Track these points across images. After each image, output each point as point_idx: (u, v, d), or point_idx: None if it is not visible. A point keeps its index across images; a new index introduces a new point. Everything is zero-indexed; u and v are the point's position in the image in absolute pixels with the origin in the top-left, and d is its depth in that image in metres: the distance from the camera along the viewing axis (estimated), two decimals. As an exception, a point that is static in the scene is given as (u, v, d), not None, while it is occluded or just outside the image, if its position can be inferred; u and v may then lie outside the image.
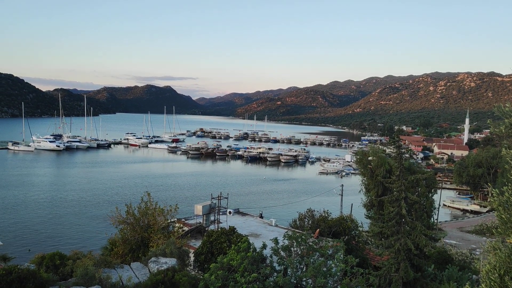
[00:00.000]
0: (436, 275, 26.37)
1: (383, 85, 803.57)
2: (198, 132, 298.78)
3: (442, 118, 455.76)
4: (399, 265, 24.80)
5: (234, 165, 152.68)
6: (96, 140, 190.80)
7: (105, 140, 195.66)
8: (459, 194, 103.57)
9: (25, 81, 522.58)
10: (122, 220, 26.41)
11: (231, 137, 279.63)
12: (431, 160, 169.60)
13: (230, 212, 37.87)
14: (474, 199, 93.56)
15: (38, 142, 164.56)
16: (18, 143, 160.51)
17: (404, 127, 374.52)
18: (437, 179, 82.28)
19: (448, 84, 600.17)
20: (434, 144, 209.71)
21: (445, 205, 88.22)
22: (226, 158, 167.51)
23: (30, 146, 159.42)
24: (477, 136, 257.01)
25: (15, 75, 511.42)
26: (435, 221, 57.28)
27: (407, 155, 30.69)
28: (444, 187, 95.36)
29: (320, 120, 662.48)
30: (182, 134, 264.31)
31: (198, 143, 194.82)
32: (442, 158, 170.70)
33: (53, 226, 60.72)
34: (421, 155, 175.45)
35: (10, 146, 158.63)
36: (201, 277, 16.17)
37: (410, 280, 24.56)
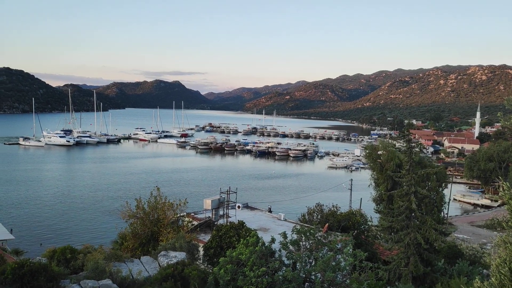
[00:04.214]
0: (446, 270, 26.24)
1: (393, 78, 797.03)
2: (207, 127, 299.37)
3: (453, 112, 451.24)
4: (408, 259, 24.72)
5: (243, 159, 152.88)
6: (106, 135, 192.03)
7: (115, 135, 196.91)
8: (469, 188, 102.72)
9: (36, 77, 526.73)
10: (132, 214, 26.59)
11: (240, 132, 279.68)
12: (442, 154, 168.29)
13: (239, 207, 37.94)
14: (485, 193, 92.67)
15: (48, 137, 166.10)
16: (28, 139, 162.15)
17: (414, 121, 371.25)
18: (448, 173, 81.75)
19: (459, 77, 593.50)
20: (444, 138, 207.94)
21: (456, 200, 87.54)
22: (235, 153, 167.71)
23: (40, 141, 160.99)
24: (488, 130, 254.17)
25: (25, 71, 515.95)
26: (445, 215, 56.95)
27: (417, 149, 30.51)
28: (455, 181, 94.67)
29: (329, 114, 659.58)
30: (191, 129, 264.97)
31: (207, 138, 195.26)
32: (453, 152, 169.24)
33: (64, 220, 61.40)
34: (431, 149, 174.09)
35: (21, 142, 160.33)
36: (211, 271, 16.25)
37: (419, 274, 24.47)
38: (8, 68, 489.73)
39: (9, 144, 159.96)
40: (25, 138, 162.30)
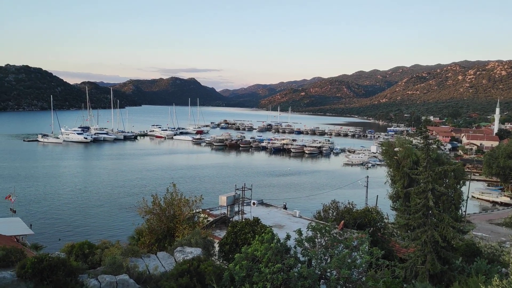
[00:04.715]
0: (464, 268, 25.88)
1: (410, 74, 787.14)
2: (222, 124, 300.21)
3: (471, 108, 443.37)
4: (425, 257, 24.44)
5: (258, 156, 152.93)
6: (122, 132, 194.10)
7: (132, 132, 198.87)
8: (488, 185, 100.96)
9: (54, 74, 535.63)
10: (149, 210, 26.83)
11: (255, 129, 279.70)
12: (460, 151, 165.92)
13: (254, 203, 37.99)
14: (504, 191, 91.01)
15: (66, 134, 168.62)
16: (47, 135, 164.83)
17: (431, 118, 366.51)
18: (466, 170, 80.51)
19: (478, 72, 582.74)
20: (462, 134, 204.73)
21: (474, 197, 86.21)
22: (250, 150, 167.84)
23: (58, 138, 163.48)
24: (507, 126, 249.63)
25: (44, 68, 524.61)
26: (463, 213, 56.12)
27: (434, 146, 30.09)
28: (473, 179, 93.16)
29: (345, 110, 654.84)
30: (206, 125, 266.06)
31: (222, 134, 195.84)
32: (471, 149, 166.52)
33: (82, 216, 62.32)
34: (449, 146, 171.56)
35: (39, 138, 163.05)
36: (226, 267, 16.31)
37: (437, 272, 24.19)
38: (27, 66, 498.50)
39: (28, 141, 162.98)
40: (44, 135, 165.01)
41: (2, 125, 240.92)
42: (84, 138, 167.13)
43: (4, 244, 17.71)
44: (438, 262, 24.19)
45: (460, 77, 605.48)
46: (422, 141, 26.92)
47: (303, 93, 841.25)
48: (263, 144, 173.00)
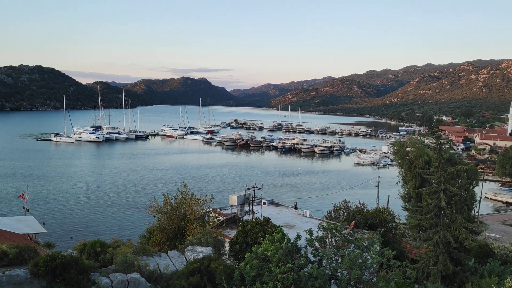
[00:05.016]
0: (476, 269, 25.60)
1: (422, 74, 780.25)
2: (233, 124, 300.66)
3: (485, 108, 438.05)
4: (437, 258, 24.23)
5: (268, 156, 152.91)
6: (134, 131, 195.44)
7: (143, 131, 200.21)
8: (502, 186, 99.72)
9: (66, 74, 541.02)
10: (160, 209, 26.95)
11: (265, 128, 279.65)
12: (473, 151, 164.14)
13: (264, 203, 37.97)
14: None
15: (78, 134, 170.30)
16: (60, 135, 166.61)
17: (444, 117, 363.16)
18: (479, 170, 79.56)
19: (491, 72, 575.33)
20: (475, 134, 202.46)
21: (487, 198, 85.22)
22: (260, 149, 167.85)
23: (71, 137, 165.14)
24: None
25: (56, 68, 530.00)
26: (476, 214, 55.50)
27: (447, 146, 29.79)
28: (486, 179, 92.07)
29: (356, 110, 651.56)
30: (217, 125, 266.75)
31: (232, 134, 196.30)
32: (484, 149, 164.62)
33: (94, 215, 62.90)
34: (461, 146, 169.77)
35: (52, 138, 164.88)
36: (236, 266, 16.33)
37: (449, 273, 23.96)
38: (40, 66, 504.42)
39: (41, 140, 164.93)
40: (57, 135, 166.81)
41: (15, 124, 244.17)
42: (96, 137, 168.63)
43: (18, 242, 17.94)
44: (450, 263, 23.97)
45: (473, 76, 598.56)
46: (434, 141, 26.68)
47: (314, 93, 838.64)
48: (274, 143, 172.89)
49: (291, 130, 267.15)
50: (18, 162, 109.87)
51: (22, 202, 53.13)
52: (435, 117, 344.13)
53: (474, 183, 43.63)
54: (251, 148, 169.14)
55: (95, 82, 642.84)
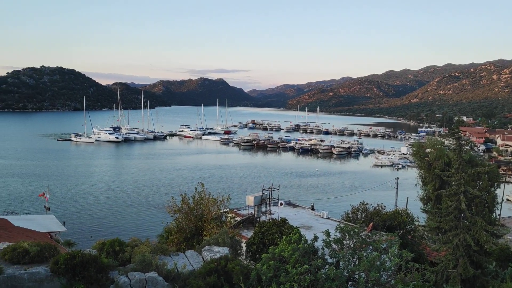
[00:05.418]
0: (497, 273, 25.10)
1: (442, 74, 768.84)
2: (250, 124, 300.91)
3: (507, 108, 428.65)
4: (457, 261, 23.82)
5: (285, 157, 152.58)
6: (152, 132, 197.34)
7: (161, 132, 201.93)
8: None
9: (87, 75, 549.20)
10: (177, 209, 27.15)
11: (282, 129, 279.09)
12: (494, 153, 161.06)
13: (281, 204, 37.91)
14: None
15: (98, 134, 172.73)
16: (80, 135, 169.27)
17: (464, 118, 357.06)
18: (501, 172, 77.95)
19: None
20: (497, 135, 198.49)
21: (509, 200, 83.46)
22: (277, 150, 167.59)
23: (91, 137, 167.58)
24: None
25: (77, 70, 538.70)
26: (498, 216, 54.41)
27: (467, 147, 29.29)
28: (508, 181, 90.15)
29: (375, 111, 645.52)
30: (234, 126, 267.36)
31: (249, 134, 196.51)
32: (506, 151, 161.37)
33: (112, 214, 63.71)
34: (483, 147, 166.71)
35: (73, 138, 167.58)
36: (253, 266, 16.33)
37: (469, 277, 23.53)
38: (61, 68, 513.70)
39: (61, 140, 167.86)
40: (77, 135, 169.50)
41: (37, 125, 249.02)
42: (116, 138, 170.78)
43: (39, 240, 18.28)
44: (471, 267, 23.54)
45: (494, 76, 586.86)
46: (454, 142, 26.24)
47: (331, 93, 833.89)
48: (291, 144, 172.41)
49: (309, 131, 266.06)
50: (39, 161, 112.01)
51: (43, 201, 54.14)
52: (455, 118, 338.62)
53: (495, 185, 42.80)
54: (268, 148, 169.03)
55: (115, 83, 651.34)
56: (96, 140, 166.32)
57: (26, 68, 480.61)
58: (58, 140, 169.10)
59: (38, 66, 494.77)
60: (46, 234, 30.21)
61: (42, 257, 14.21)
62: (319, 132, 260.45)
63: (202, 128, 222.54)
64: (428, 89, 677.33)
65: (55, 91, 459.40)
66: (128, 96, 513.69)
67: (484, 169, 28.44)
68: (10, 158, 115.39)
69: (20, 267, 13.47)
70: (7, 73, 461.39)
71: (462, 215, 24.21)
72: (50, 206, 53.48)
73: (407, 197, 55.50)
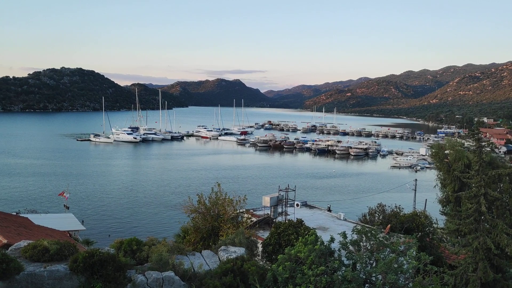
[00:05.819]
0: (519, 278, 24.58)
1: (462, 74, 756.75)
2: (266, 125, 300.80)
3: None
4: (477, 264, 23.41)
5: (302, 157, 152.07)
6: (170, 132, 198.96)
7: (179, 132, 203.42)
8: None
9: (105, 76, 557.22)
10: (194, 209, 27.31)
11: (299, 130, 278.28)
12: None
13: (297, 205, 37.82)
14: None
15: (117, 134, 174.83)
16: (99, 135, 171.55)
17: (485, 119, 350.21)
18: (522, 174, 76.23)
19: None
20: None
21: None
22: (294, 151, 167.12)
23: (109, 138, 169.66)
24: None
25: (96, 71, 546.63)
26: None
27: (488, 149, 28.73)
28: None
29: (393, 111, 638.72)
30: (251, 126, 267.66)
31: (266, 135, 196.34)
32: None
33: (130, 213, 64.37)
34: (504, 149, 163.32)
35: (92, 138, 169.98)
36: (269, 267, 16.32)
37: (489, 281, 23.10)
38: (80, 69, 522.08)
39: (81, 140, 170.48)
40: (96, 135, 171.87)
41: (57, 125, 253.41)
42: (134, 138, 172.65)
43: (58, 238, 18.60)
44: (491, 270, 23.11)
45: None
46: (474, 144, 25.82)
47: (349, 94, 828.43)
48: (307, 145, 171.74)
49: (325, 132, 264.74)
50: (59, 161, 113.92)
51: (62, 200, 55.06)
52: (476, 119, 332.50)
53: (517, 187, 41.93)
54: (284, 149, 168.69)
55: (133, 84, 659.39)
56: (114, 140, 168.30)
57: (47, 69, 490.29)
58: (77, 140, 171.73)
59: (58, 67, 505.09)
60: (65, 232, 30.67)
61: (61, 255, 14.45)
62: (336, 133, 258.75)
63: (219, 129, 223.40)
64: (448, 90, 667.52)
65: (74, 92, 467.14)
66: (146, 97, 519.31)
67: (505, 171, 27.89)
68: (31, 158, 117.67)
69: (40, 265, 13.73)
70: (28, 74, 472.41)
71: (482, 217, 23.80)
72: (69, 205, 54.39)
73: (426, 199, 54.74)
